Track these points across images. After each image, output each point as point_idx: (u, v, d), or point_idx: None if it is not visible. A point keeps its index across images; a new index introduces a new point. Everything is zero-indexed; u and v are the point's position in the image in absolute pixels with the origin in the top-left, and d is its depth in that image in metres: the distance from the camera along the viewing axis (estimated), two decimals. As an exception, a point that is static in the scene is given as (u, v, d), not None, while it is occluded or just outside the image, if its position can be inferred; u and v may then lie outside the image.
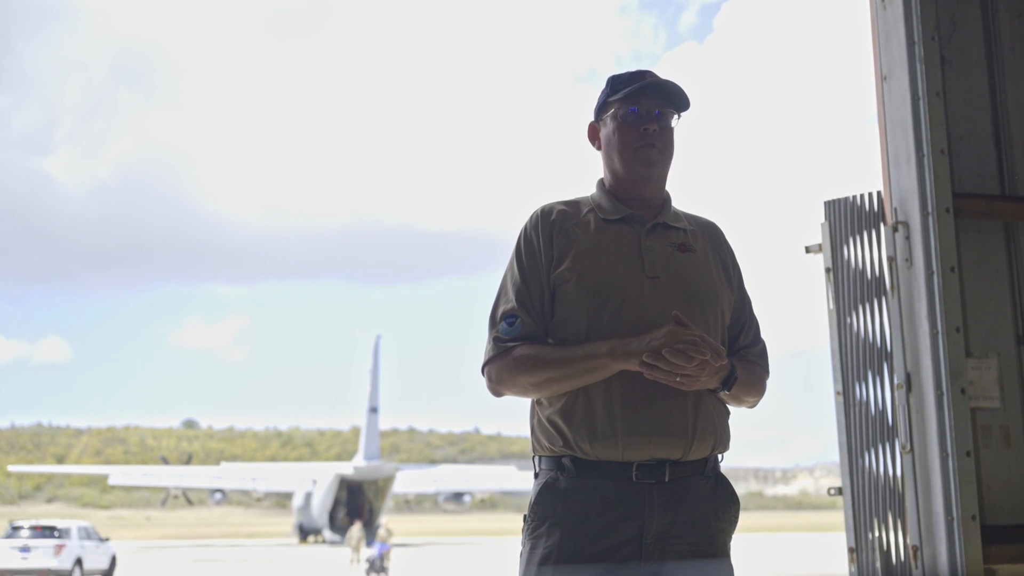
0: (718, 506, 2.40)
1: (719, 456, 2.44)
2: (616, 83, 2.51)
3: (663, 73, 2.50)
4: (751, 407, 2.55)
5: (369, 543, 34.35)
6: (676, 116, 2.49)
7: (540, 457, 2.42)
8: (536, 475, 2.44)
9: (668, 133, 2.48)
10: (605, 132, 2.52)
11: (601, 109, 2.54)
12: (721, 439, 2.41)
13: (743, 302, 2.57)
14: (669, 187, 2.56)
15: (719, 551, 2.38)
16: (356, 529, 29.31)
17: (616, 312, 2.35)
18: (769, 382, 2.55)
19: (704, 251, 2.50)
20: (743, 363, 2.45)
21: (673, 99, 2.47)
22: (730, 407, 2.48)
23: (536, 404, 2.44)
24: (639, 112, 2.45)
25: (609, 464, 2.31)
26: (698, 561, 2.32)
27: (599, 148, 2.56)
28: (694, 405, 2.33)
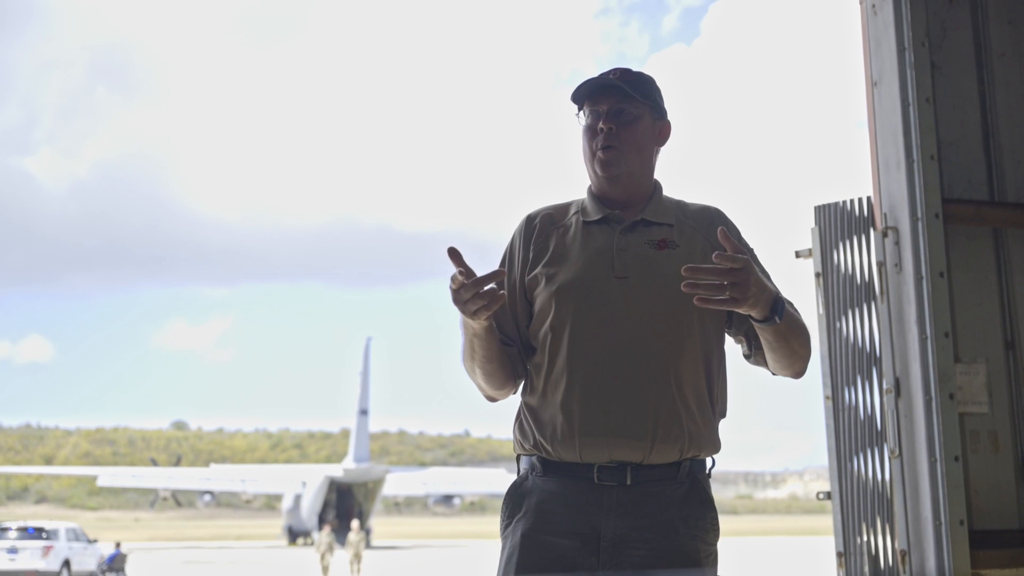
0: (688, 513, 2.30)
1: (707, 461, 2.37)
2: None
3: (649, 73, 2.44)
4: (800, 368, 2.36)
5: (341, 544, 33.74)
6: (644, 107, 2.39)
7: (519, 456, 2.44)
8: (518, 474, 2.46)
9: (628, 128, 2.38)
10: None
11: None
12: (695, 442, 2.30)
13: None
14: (666, 181, 2.50)
15: (688, 560, 2.27)
16: (325, 534, 27.80)
17: (579, 313, 2.32)
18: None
19: (691, 245, 2.39)
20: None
21: (623, 93, 2.37)
22: (776, 371, 2.35)
23: (520, 404, 2.45)
24: (590, 113, 2.41)
25: (572, 465, 2.30)
26: (662, 571, 2.25)
27: None
28: (655, 406, 2.26)
